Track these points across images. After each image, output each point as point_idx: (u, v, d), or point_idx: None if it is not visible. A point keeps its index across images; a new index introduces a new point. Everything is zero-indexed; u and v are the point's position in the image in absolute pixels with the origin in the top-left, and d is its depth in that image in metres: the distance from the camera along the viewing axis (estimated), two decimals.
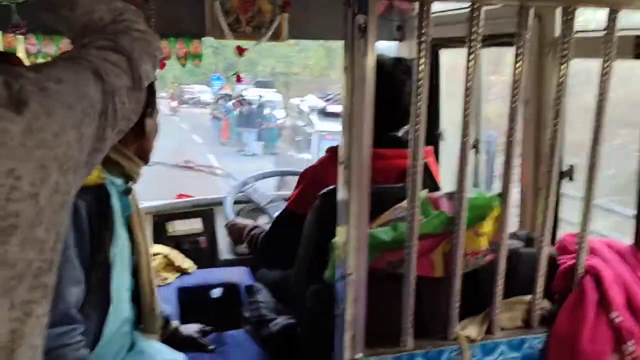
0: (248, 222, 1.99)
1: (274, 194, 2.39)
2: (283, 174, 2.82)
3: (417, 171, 1.11)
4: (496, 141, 2.32)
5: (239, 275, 2.09)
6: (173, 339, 1.50)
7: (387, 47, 2.45)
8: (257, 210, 2.31)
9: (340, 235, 1.14)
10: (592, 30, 1.38)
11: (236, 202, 2.28)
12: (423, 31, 1.05)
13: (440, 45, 2.24)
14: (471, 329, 1.24)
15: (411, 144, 1.11)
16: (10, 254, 0.61)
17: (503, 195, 1.20)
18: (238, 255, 2.38)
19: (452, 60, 2.37)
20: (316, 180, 1.64)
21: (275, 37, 2.28)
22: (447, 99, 2.39)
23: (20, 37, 1.94)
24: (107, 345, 1.24)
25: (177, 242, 2.28)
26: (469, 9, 1.09)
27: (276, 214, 2.12)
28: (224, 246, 2.37)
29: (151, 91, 1.30)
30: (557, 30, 1.56)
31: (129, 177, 1.31)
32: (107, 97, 0.75)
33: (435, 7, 2.22)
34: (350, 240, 1.09)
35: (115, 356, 1.28)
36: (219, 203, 2.37)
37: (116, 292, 1.25)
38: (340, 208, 1.11)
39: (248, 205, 2.35)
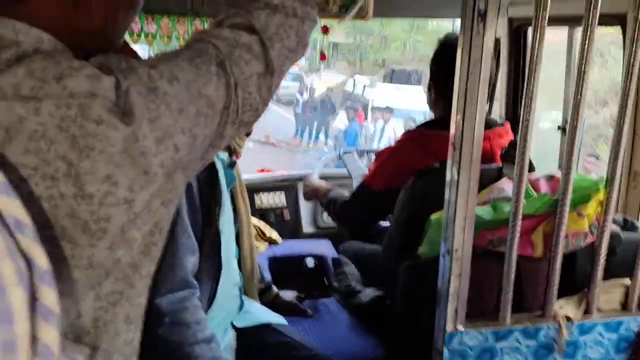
0: (322, 184, 2.10)
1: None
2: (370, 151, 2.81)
3: (526, 152, 1.14)
4: (584, 125, 2.28)
5: (324, 247, 2.19)
6: (274, 304, 1.61)
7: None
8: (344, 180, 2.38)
9: (446, 212, 1.18)
10: None
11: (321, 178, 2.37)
12: (540, 10, 1.06)
13: (527, 25, 2.20)
14: (568, 309, 1.27)
15: (520, 130, 1.13)
16: (97, 256, 0.58)
17: (609, 178, 1.21)
18: (320, 229, 2.48)
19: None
20: (394, 160, 1.69)
21: (362, 14, 2.31)
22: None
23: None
24: (219, 308, 1.35)
25: (262, 215, 2.40)
26: None
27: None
28: (306, 220, 2.48)
29: None
30: None
31: (234, 151, 1.40)
32: (230, 91, 0.68)
33: None
34: (457, 219, 1.14)
35: (226, 317, 1.39)
36: (301, 178, 2.46)
37: (225, 259, 1.35)
38: (448, 187, 1.16)
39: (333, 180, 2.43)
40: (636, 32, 1.13)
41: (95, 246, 0.57)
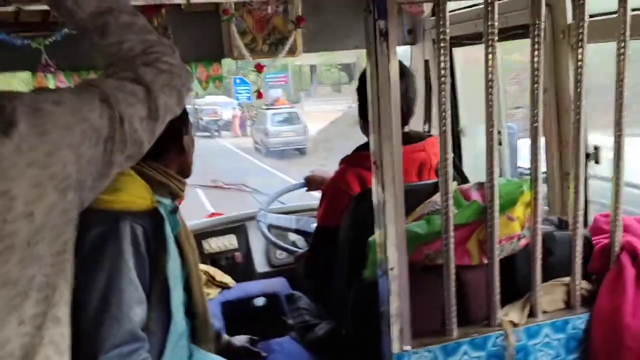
0: (325, 174, 2.13)
1: (298, 213, 2.45)
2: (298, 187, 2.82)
3: (448, 164, 1.15)
4: (516, 133, 2.36)
5: (278, 285, 2.15)
6: (226, 351, 1.55)
7: (402, 52, 2.50)
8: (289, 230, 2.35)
9: (378, 233, 1.18)
10: (604, 14, 1.41)
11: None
12: (441, 30, 1.09)
13: (454, 44, 2.28)
14: (514, 314, 1.27)
15: (440, 141, 1.15)
16: (11, 273, 0.62)
17: (532, 179, 1.23)
18: (274, 267, 2.43)
19: (465, 57, 2.42)
20: (339, 192, 1.68)
21: (292, 52, 2.35)
22: (464, 96, 2.43)
23: (50, 75, 2.04)
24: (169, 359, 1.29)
25: (213, 260, 2.34)
26: (483, 4, 1.13)
27: (310, 225, 2.18)
28: (259, 259, 2.43)
29: (183, 112, 1.37)
30: (569, 17, 1.60)
31: (176, 195, 1.37)
32: (114, 123, 0.77)
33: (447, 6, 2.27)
34: (389, 237, 1.13)
35: None
36: (251, 218, 2.42)
37: (174, 307, 1.30)
38: (376, 206, 1.16)
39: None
40: (536, 39, 1.18)
41: (8, 262, 0.62)
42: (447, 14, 1.10)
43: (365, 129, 1.77)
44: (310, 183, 2.33)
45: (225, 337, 1.66)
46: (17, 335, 0.64)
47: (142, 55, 0.87)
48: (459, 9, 2.08)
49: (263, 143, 16.94)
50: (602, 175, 1.65)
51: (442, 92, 1.13)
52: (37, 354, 0.67)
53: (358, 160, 1.72)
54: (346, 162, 1.77)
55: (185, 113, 1.40)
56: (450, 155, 1.16)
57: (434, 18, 2.25)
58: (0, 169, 0.62)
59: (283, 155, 15.79)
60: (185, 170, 1.43)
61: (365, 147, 1.76)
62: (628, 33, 1.19)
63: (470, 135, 2.40)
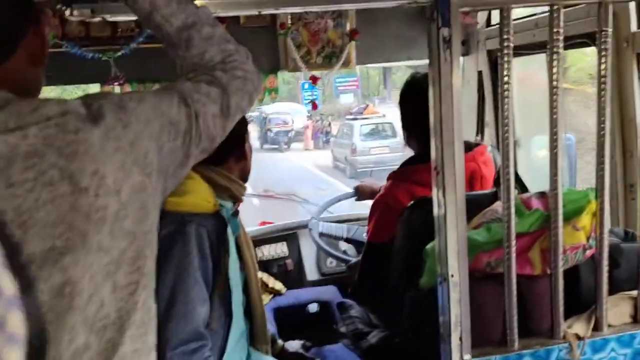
0: (374, 184, 2.14)
1: (348, 221, 2.45)
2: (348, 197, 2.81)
3: (510, 172, 1.14)
4: (574, 143, 2.30)
5: (329, 293, 2.16)
6: (281, 356, 1.58)
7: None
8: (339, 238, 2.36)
9: (438, 240, 1.18)
10: None
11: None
12: (505, 37, 1.09)
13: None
14: (578, 327, 1.23)
15: (502, 149, 1.15)
16: (104, 242, 0.71)
17: (598, 189, 1.20)
18: (324, 275, 2.45)
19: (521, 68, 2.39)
20: (388, 207, 1.68)
21: (346, 64, 2.39)
22: (519, 107, 2.40)
23: (118, 87, 2.15)
24: (229, 358, 1.33)
25: (265, 266, 2.38)
26: (539, 14, 1.12)
27: (362, 235, 2.19)
28: (310, 267, 2.45)
29: (243, 120, 1.42)
30: (634, 25, 1.56)
31: (236, 199, 1.42)
32: (191, 119, 0.87)
33: (496, 18, 2.25)
34: (449, 244, 1.13)
35: None
36: (303, 226, 2.45)
37: (235, 307, 1.34)
38: (436, 212, 1.16)
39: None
40: (602, 47, 1.16)
41: (100, 231, 0.71)
42: (512, 21, 1.10)
43: (410, 142, 1.76)
44: (360, 193, 2.35)
45: (280, 341, 1.68)
46: (111, 300, 0.72)
47: (220, 63, 0.96)
48: (515, 19, 2.06)
49: (348, 161, 14.30)
50: None
51: (505, 103, 1.12)
52: (131, 318, 0.75)
53: (407, 175, 1.72)
54: (394, 177, 1.77)
55: (245, 122, 1.45)
56: (512, 164, 1.15)
57: (488, 29, 2.25)
58: (91, 152, 0.72)
59: (373, 178, 12.59)
60: (244, 176, 1.49)
61: (412, 161, 1.76)
62: None
63: (525, 147, 2.35)
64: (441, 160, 1.10)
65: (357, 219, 2.53)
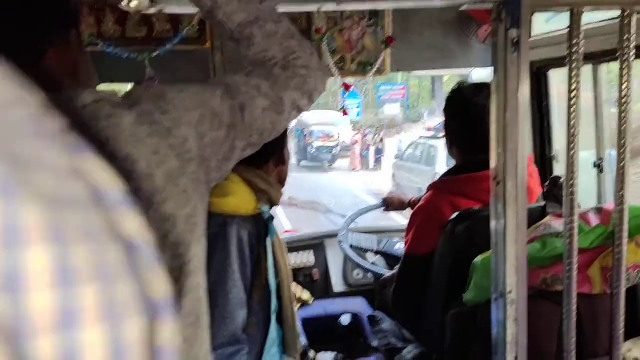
0: (403, 195, 2.13)
1: (377, 232, 2.40)
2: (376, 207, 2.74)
3: (574, 185, 1.08)
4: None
5: (359, 305, 2.10)
6: None
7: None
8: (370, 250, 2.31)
9: (494, 252, 1.12)
10: None
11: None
12: (574, 41, 1.04)
13: (548, 67, 2.21)
14: (637, 350, 1.17)
15: (567, 162, 1.09)
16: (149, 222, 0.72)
17: None
18: (351, 286, 2.39)
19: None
20: (429, 218, 1.63)
21: (379, 71, 2.35)
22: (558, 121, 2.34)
23: None
24: None
25: (292, 275, 2.32)
26: (618, 17, 1.07)
27: (394, 247, 2.13)
28: (336, 278, 2.39)
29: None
30: None
31: (273, 203, 1.39)
32: (235, 111, 0.85)
33: (537, 29, 2.20)
34: (508, 258, 1.07)
35: None
36: (330, 235, 2.40)
37: (271, 312, 1.30)
38: (494, 225, 1.10)
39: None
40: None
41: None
42: (582, 26, 1.05)
43: (452, 152, 1.71)
44: (389, 204, 2.31)
45: (312, 352, 1.63)
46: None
47: (282, 60, 0.92)
48: (553, 31, 2.01)
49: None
50: None
51: (572, 113, 1.07)
52: (186, 276, 0.76)
53: (449, 185, 1.67)
54: (435, 187, 1.71)
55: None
56: (577, 177, 1.10)
57: (531, 39, 2.20)
58: (122, 137, 0.71)
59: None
60: (282, 181, 1.45)
61: (454, 171, 1.71)
62: None
63: (564, 161, 2.29)
64: (502, 170, 1.05)
65: (385, 231, 2.47)
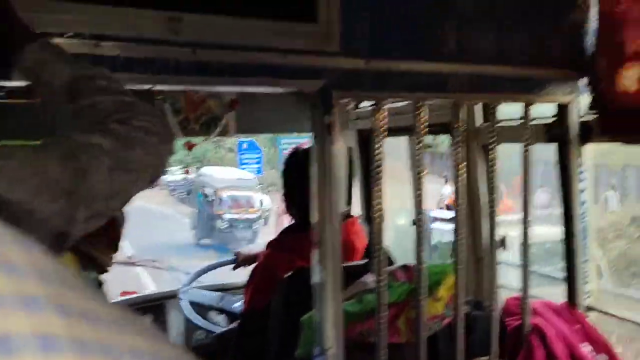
0: (253, 251, 2.11)
1: (219, 290, 2.41)
2: (226, 263, 2.75)
3: (382, 247, 1.24)
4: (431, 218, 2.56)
5: None
6: None
7: None
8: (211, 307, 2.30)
9: (316, 311, 1.22)
10: (510, 120, 1.64)
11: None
12: (379, 121, 1.22)
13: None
14: None
15: (374, 225, 1.25)
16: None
17: (456, 263, 1.35)
18: (193, 350, 2.33)
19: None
20: (266, 274, 1.72)
21: (224, 132, 2.42)
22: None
23: None
24: None
25: None
26: (414, 105, 1.29)
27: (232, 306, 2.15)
28: (182, 342, 2.32)
29: None
30: (478, 121, 1.83)
31: (102, 269, 1.34)
32: (77, 176, 0.76)
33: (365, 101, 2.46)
34: (327, 316, 1.18)
35: None
36: (171, 296, 2.35)
37: None
38: (316, 285, 1.21)
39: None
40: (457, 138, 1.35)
41: None
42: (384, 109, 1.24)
43: (291, 211, 1.83)
44: (240, 259, 2.32)
45: None
46: None
47: (115, 114, 0.85)
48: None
49: None
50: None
51: (378, 179, 1.24)
52: None
53: (286, 244, 1.77)
54: (273, 245, 1.81)
55: None
56: (382, 239, 1.26)
57: (358, 110, 2.46)
58: None
59: None
60: (113, 245, 1.42)
61: (291, 230, 1.82)
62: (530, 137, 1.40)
63: (394, 219, 2.55)
64: (322, 234, 1.17)
65: (232, 288, 2.48)
